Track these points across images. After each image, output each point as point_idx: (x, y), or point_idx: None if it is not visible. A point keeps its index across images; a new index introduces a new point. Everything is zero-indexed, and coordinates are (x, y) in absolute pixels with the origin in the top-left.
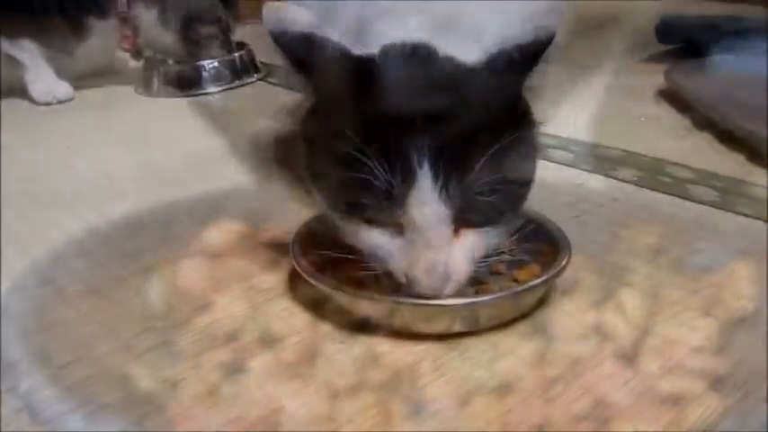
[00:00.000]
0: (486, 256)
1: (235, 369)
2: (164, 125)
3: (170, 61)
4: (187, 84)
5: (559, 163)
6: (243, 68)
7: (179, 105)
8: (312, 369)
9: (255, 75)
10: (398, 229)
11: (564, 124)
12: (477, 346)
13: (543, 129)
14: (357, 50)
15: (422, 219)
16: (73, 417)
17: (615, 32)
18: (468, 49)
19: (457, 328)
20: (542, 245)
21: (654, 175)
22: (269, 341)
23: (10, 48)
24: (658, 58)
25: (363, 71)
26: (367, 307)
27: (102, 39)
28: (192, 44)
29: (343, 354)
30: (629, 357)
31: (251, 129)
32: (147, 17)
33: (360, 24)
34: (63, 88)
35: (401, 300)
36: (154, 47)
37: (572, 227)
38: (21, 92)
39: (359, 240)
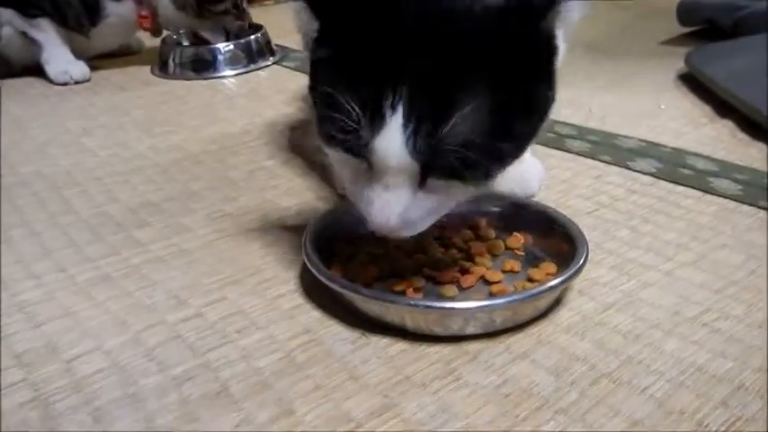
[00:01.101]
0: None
1: (244, 368)
2: (180, 108)
3: (186, 43)
4: (203, 66)
5: (577, 153)
6: (258, 51)
7: (195, 88)
8: (323, 371)
9: (271, 58)
10: (370, 167)
11: (581, 111)
12: (491, 349)
13: (559, 115)
14: None
15: (383, 163)
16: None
17: (635, 14)
18: None
19: (471, 330)
20: (559, 242)
21: (674, 166)
22: (280, 340)
23: (27, 27)
24: (679, 41)
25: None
26: (379, 308)
27: (119, 19)
28: (209, 23)
29: (355, 355)
30: (647, 364)
31: (266, 114)
32: None
33: None
34: (79, 68)
35: (414, 302)
36: (170, 27)
37: (589, 221)
38: (37, 71)
39: (344, 177)
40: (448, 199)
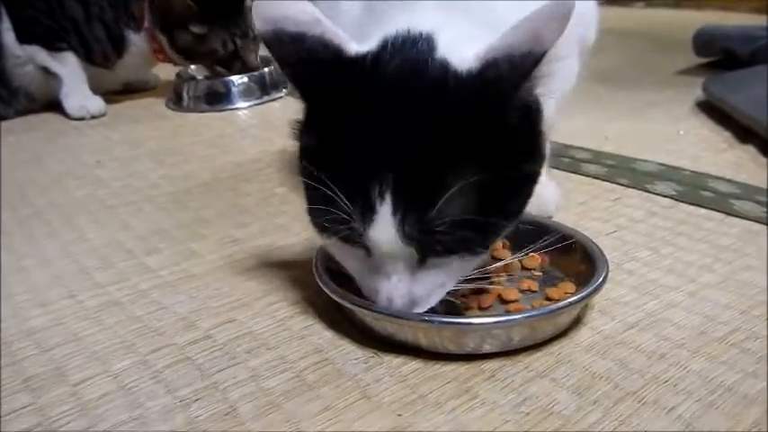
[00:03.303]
0: (467, 279)
1: (254, 389)
2: (192, 139)
3: (200, 76)
4: (216, 99)
5: (593, 177)
6: (272, 84)
7: (208, 119)
8: (334, 390)
9: (284, 90)
10: (368, 253)
11: (597, 137)
12: (508, 368)
13: (574, 141)
14: (355, 47)
15: (381, 253)
16: None
17: (651, 46)
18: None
19: (488, 348)
20: (577, 262)
21: (695, 189)
22: (290, 360)
23: (50, 61)
24: (696, 71)
25: (347, 79)
26: (391, 326)
27: (139, 49)
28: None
29: (367, 375)
30: (674, 383)
31: (278, 142)
32: (163, 40)
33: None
34: (96, 103)
35: (428, 317)
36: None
37: (608, 242)
38: (55, 107)
39: (336, 258)
40: (452, 272)
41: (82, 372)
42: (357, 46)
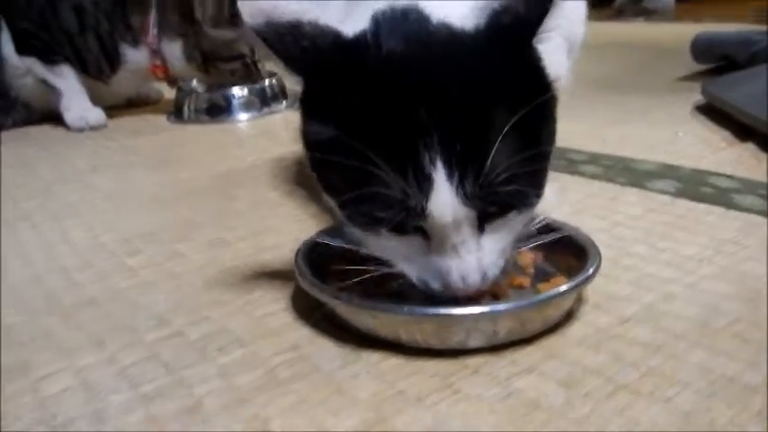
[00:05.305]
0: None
1: (222, 384)
2: (190, 148)
3: (201, 89)
4: (217, 111)
5: (591, 177)
6: (273, 96)
7: (208, 131)
8: (308, 386)
9: (284, 102)
10: (425, 237)
11: (595, 141)
12: (493, 363)
13: (572, 144)
14: (348, 28)
15: (445, 227)
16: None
17: (650, 54)
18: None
19: (473, 343)
20: (570, 256)
21: (694, 186)
22: (263, 357)
23: (48, 74)
24: (695, 77)
25: (356, 59)
26: (369, 319)
27: (136, 66)
28: (215, 78)
29: (344, 371)
30: (671, 375)
31: (275, 150)
32: (173, 50)
33: None
34: (96, 114)
35: (408, 309)
36: (182, 77)
37: (604, 238)
38: (55, 119)
39: (386, 255)
40: (510, 233)
41: (46, 367)
42: (348, 27)
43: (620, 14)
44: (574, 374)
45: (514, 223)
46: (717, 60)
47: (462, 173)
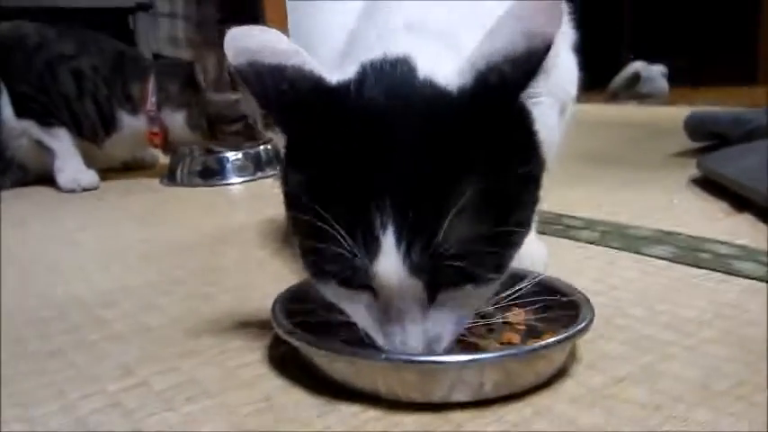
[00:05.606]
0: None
1: None
2: (180, 208)
3: (196, 153)
4: (211, 174)
5: (586, 242)
6: (267, 161)
7: (200, 193)
8: None
9: (279, 166)
10: (374, 294)
11: (590, 207)
12: (478, 419)
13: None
14: (336, 77)
15: (389, 291)
16: None
17: (645, 131)
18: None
19: (456, 396)
20: (562, 314)
21: (692, 252)
22: (232, 406)
23: (43, 136)
24: (689, 154)
25: (333, 107)
26: (344, 368)
27: (132, 131)
28: (223, 142)
29: (318, 421)
30: None
31: (266, 211)
32: (175, 120)
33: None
34: (89, 177)
35: (387, 356)
36: (182, 143)
37: (600, 300)
38: (49, 180)
39: (337, 304)
40: (466, 304)
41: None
42: (337, 75)
43: (614, 98)
44: None
45: (472, 295)
46: (710, 139)
47: (411, 241)
